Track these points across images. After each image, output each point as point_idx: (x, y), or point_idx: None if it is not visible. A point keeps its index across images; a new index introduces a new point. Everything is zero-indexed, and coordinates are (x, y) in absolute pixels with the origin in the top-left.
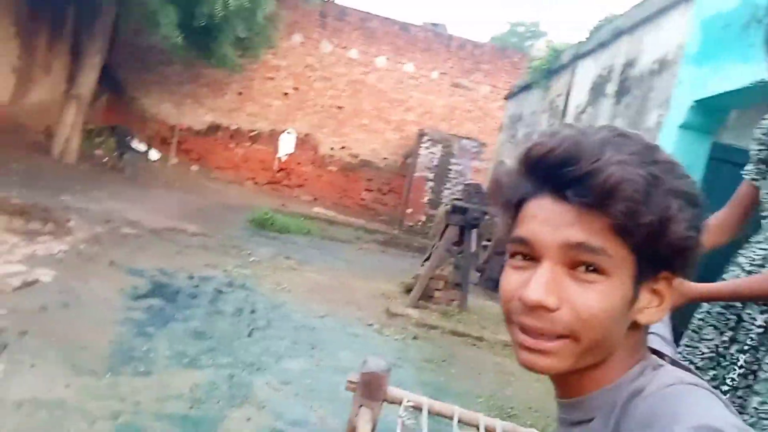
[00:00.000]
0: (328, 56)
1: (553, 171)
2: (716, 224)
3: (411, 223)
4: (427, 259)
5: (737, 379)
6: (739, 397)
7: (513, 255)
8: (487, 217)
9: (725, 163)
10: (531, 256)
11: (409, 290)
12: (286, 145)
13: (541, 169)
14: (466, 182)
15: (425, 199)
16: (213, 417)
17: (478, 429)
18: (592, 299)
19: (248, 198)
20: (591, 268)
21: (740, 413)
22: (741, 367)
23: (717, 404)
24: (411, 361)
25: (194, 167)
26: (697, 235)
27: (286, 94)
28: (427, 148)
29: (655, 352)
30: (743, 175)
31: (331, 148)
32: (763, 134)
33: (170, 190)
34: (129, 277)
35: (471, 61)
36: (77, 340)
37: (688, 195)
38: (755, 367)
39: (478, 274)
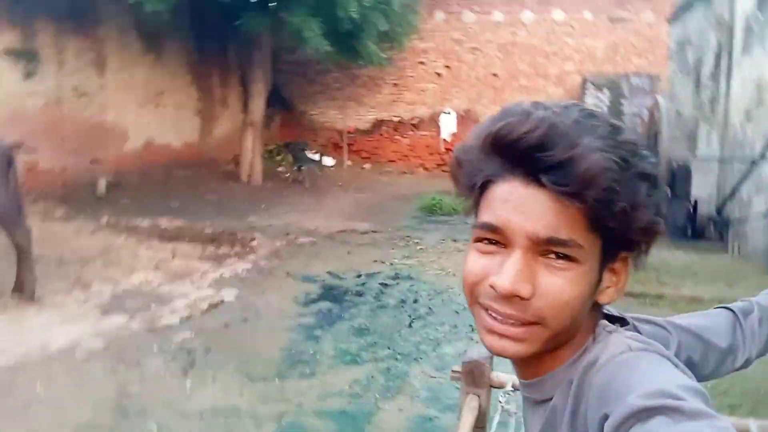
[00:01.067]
0: (473, 25)
1: (526, 155)
2: None
3: None
4: None
5: None
6: None
7: (479, 239)
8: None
9: None
10: (499, 241)
11: None
12: (449, 126)
13: (512, 152)
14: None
15: None
16: (368, 410)
17: None
18: (563, 287)
19: (419, 186)
20: (561, 255)
21: None
22: None
23: (666, 367)
24: None
25: (366, 165)
26: (662, 218)
27: (438, 74)
28: (593, 95)
29: (610, 317)
30: None
31: None
32: None
33: (346, 192)
34: (302, 285)
35: None
36: (253, 351)
37: (652, 177)
38: None
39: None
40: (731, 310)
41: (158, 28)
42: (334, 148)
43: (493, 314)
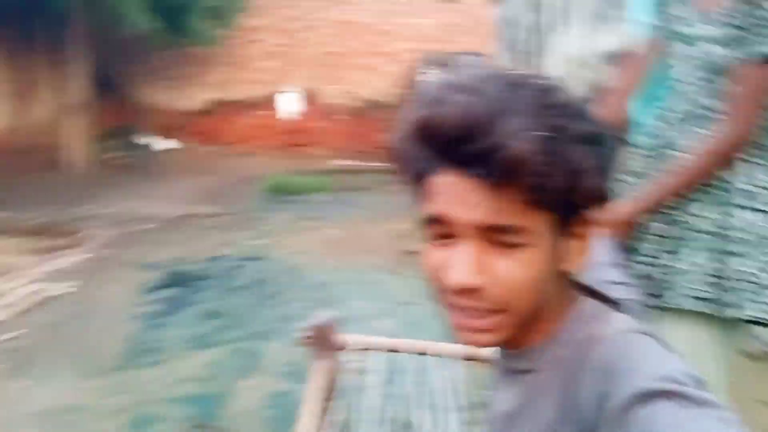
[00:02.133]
0: (306, 3)
1: (449, 147)
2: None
3: None
4: None
5: None
6: None
7: (428, 232)
8: None
9: None
10: (448, 233)
11: None
12: (288, 105)
13: (436, 145)
14: None
15: None
16: (222, 392)
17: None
18: (518, 270)
19: (261, 167)
20: (508, 240)
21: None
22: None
23: (668, 353)
24: (427, 295)
25: (204, 148)
26: (607, 175)
27: (274, 53)
28: (426, 72)
29: (594, 294)
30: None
31: (334, 97)
32: None
33: (184, 176)
34: (143, 273)
35: None
36: (91, 345)
37: (591, 136)
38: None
39: None
40: None
41: None
42: (167, 131)
43: (458, 309)
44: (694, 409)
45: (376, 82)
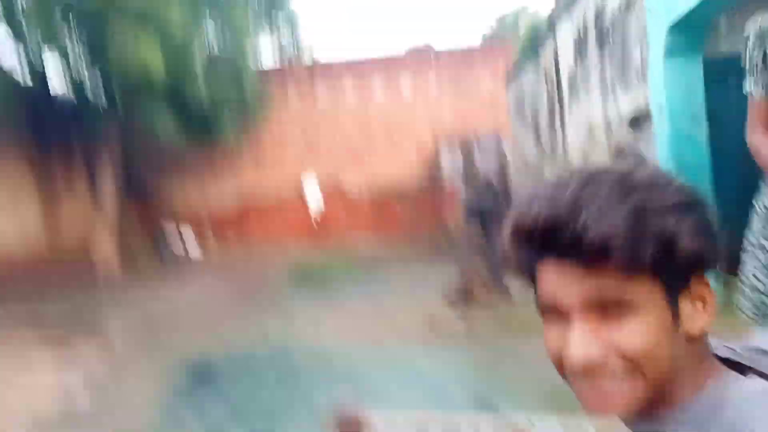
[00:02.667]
0: (327, 98)
1: (544, 240)
2: None
3: (455, 235)
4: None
5: None
6: None
7: (544, 317)
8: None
9: (726, 80)
10: (561, 315)
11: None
12: (314, 198)
13: (533, 240)
14: (476, 183)
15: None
16: None
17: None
18: (633, 337)
19: (290, 259)
20: (617, 310)
21: None
22: None
23: None
24: (458, 373)
25: (234, 247)
26: (708, 236)
27: (298, 148)
28: (447, 158)
29: (737, 366)
30: (756, 97)
31: (358, 187)
32: (756, 36)
33: (214, 277)
34: (167, 372)
35: (466, 65)
36: None
37: (680, 204)
38: None
39: None
40: None
41: None
42: (198, 233)
43: (587, 386)
44: None
45: (396, 170)
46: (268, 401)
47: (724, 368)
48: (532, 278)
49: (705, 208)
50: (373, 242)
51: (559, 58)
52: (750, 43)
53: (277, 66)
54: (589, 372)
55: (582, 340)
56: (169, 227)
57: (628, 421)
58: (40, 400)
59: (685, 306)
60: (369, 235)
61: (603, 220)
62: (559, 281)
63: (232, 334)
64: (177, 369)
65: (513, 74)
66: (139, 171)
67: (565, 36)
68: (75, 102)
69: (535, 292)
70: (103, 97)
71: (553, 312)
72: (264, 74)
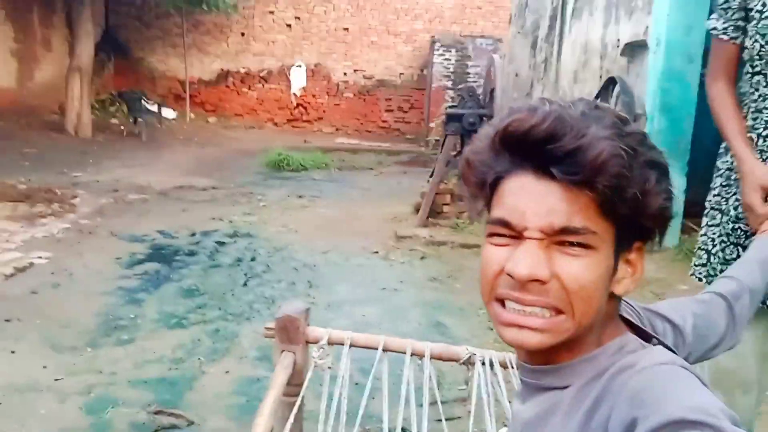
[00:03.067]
0: None
1: (536, 148)
2: (735, 101)
3: (436, 138)
4: (432, 174)
5: None
6: None
7: (492, 234)
8: (485, 119)
9: None
10: (513, 235)
11: (419, 210)
12: (298, 79)
13: (522, 146)
14: (458, 86)
15: None
16: (191, 375)
17: (405, 354)
18: (581, 272)
19: (268, 141)
20: (576, 243)
21: None
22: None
23: (704, 388)
24: (414, 283)
25: (211, 119)
26: (672, 205)
27: (288, 25)
28: (441, 55)
29: (639, 330)
30: (715, 35)
31: (344, 74)
32: None
33: (187, 146)
34: (127, 245)
35: None
36: (63, 319)
37: (661, 166)
38: None
39: None
40: (724, 298)
41: None
42: (176, 100)
43: (509, 306)
44: None
45: (387, 62)
46: (222, 284)
47: (627, 330)
48: (490, 191)
49: (672, 184)
50: (353, 135)
51: None
52: None
53: None
54: (526, 289)
55: (532, 256)
56: (147, 90)
57: (527, 366)
58: None
59: (621, 266)
60: (350, 127)
61: (605, 144)
62: (532, 199)
63: (198, 214)
64: (137, 242)
65: None
66: (121, 27)
67: None
68: None
69: (486, 208)
70: None
71: (504, 230)
72: None
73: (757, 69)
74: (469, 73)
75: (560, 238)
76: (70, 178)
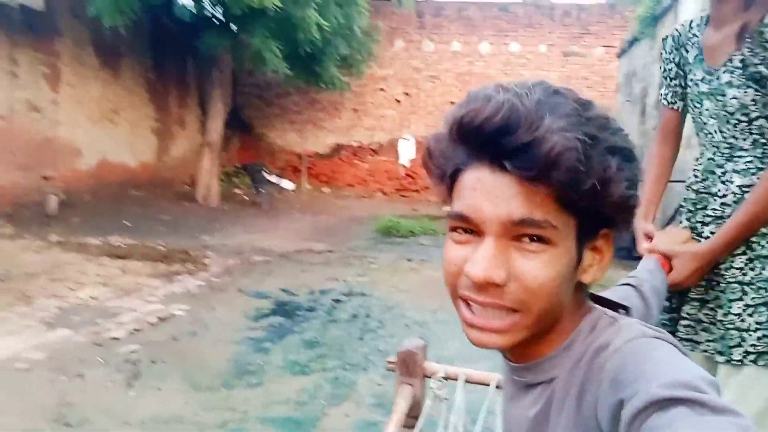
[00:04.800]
0: (432, 55)
1: (489, 140)
2: (662, 164)
3: None
4: None
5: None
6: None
7: (453, 229)
8: None
9: None
10: (472, 230)
11: None
12: (407, 151)
13: (476, 139)
14: None
15: None
16: (314, 416)
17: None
18: (540, 270)
19: (377, 209)
20: (535, 238)
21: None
22: (706, 238)
23: (680, 357)
24: None
25: (325, 189)
26: (636, 191)
27: (398, 101)
28: None
29: (606, 302)
30: (660, 100)
31: None
32: (668, 51)
33: (303, 215)
34: (254, 301)
35: (579, 27)
36: (200, 362)
37: (624, 151)
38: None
39: None
40: (632, 286)
41: (116, 44)
42: (293, 172)
43: (473, 306)
44: (710, 416)
45: None
46: (340, 337)
47: (597, 308)
48: (449, 184)
49: (639, 169)
50: None
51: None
52: (667, 48)
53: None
54: (483, 291)
55: (490, 257)
56: (267, 163)
57: (510, 365)
58: (141, 306)
59: (587, 255)
60: None
61: (562, 134)
62: (489, 192)
63: (315, 275)
64: (262, 299)
65: (627, 46)
66: (245, 106)
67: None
68: (194, 12)
69: (448, 204)
70: (221, 14)
71: (464, 226)
72: (375, 24)
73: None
74: None
75: (520, 231)
76: (201, 242)
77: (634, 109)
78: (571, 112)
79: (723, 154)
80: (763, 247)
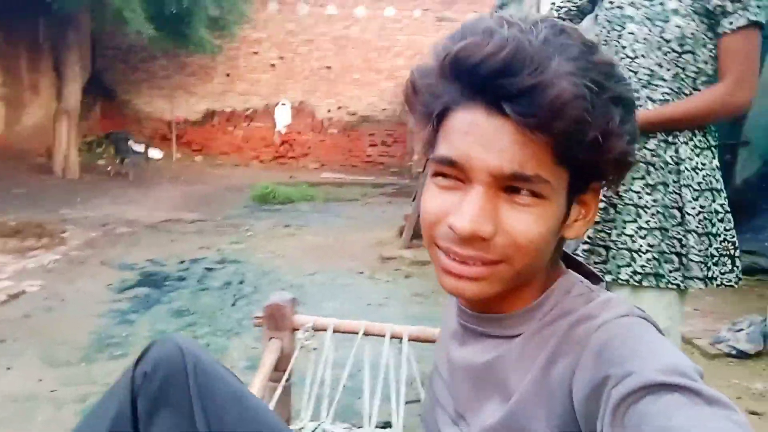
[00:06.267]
0: (307, 18)
1: (490, 80)
2: None
3: (420, 169)
4: (414, 198)
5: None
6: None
7: (437, 174)
8: None
9: None
10: (458, 177)
11: (403, 233)
12: (283, 117)
13: (473, 77)
14: None
15: None
16: None
17: (384, 338)
18: (530, 224)
19: (254, 177)
20: (526, 191)
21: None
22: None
23: (669, 344)
24: (399, 298)
25: (198, 158)
26: (632, 149)
27: (272, 65)
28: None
29: (579, 267)
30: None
31: (328, 111)
32: None
33: (174, 184)
34: (118, 273)
35: None
36: (57, 338)
37: (627, 102)
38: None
39: None
40: None
41: None
42: (162, 140)
43: (453, 256)
44: (704, 407)
45: (370, 98)
46: (211, 304)
47: (570, 272)
48: (436, 125)
49: (636, 122)
50: (338, 170)
51: (542, 4)
52: None
53: None
54: (467, 244)
55: (477, 209)
56: (134, 132)
57: (468, 312)
58: None
59: (574, 210)
60: (335, 162)
61: (571, 79)
62: (482, 138)
63: (187, 244)
64: (128, 270)
65: (497, 10)
66: (107, 71)
67: None
68: None
69: (432, 146)
70: None
71: (450, 170)
72: None
73: None
74: None
75: (509, 183)
76: (59, 215)
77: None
78: (578, 56)
79: (641, 79)
80: (662, 175)
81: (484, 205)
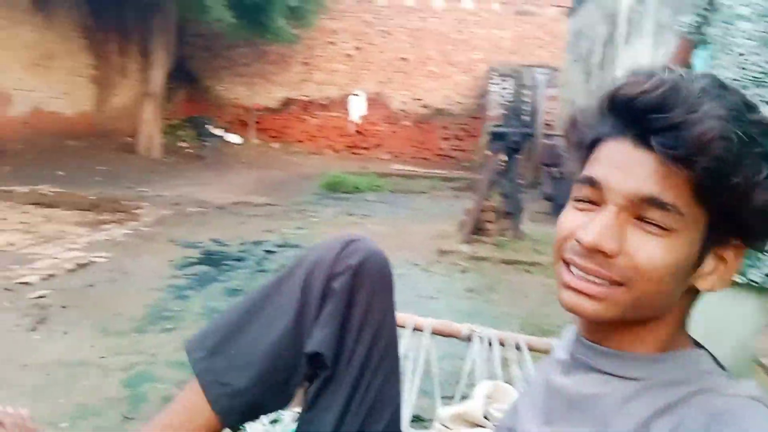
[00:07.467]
0: (384, 9)
1: (642, 114)
2: None
3: (482, 161)
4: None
5: None
6: None
7: (577, 199)
8: (531, 138)
9: None
10: (597, 200)
11: (463, 227)
12: (358, 108)
13: (629, 111)
14: (506, 104)
15: None
16: None
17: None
18: (655, 251)
19: (327, 166)
20: (658, 223)
21: None
22: None
23: None
24: (452, 292)
25: (275, 145)
26: None
27: (349, 55)
28: (497, 84)
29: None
30: (681, 29)
31: (403, 102)
32: None
33: (249, 170)
34: (182, 250)
35: None
36: (114, 308)
37: None
38: None
39: (550, 203)
40: None
41: None
42: (241, 126)
43: (574, 269)
44: None
45: (445, 91)
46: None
47: (702, 347)
48: (587, 151)
49: None
50: (410, 162)
51: None
52: None
53: None
54: (589, 257)
55: (604, 226)
56: (213, 116)
57: (584, 341)
58: (63, 253)
59: (710, 261)
60: (407, 154)
61: (719, 123)
62: (625, 165)
63: (252, 227)
64: (191, 248)
65: (576, 5)
66: (192, 57)
67: None
68: None
69: (579, 171)
70: None
71: (589, 192)
72: None
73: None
74: (525, 101)
75: (643, 210)
76: (136, 193)
77: (580, 69)
78: (733, 107)
79: (755, 78)
80: None
81: (613, 223)
